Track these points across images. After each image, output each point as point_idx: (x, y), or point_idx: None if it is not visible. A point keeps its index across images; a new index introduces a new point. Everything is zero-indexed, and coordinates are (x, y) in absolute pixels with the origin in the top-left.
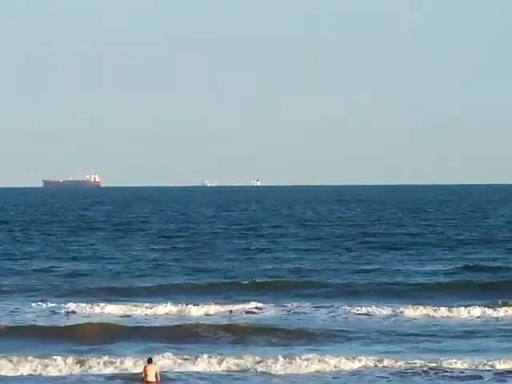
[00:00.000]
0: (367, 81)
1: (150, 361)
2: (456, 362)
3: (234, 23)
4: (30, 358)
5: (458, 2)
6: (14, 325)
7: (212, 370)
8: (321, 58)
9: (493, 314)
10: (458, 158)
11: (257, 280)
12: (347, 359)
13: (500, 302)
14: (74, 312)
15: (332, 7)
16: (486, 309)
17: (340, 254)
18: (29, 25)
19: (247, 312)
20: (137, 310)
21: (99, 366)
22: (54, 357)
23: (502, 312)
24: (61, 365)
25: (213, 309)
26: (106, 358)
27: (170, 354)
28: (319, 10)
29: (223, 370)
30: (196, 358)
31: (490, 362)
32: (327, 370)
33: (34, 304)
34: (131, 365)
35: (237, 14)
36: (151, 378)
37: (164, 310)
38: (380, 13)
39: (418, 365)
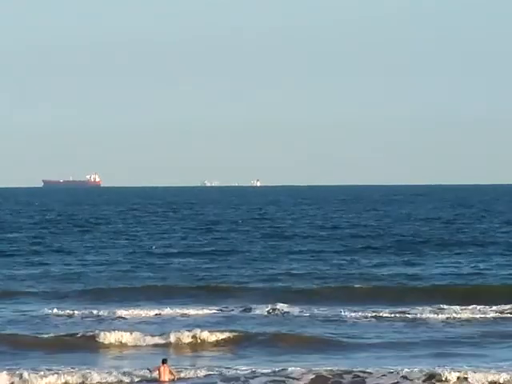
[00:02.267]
0: (367, 81)
1: (164, 361)
2: None
3: (234, 23)
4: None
5: (458, 2)
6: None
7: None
8: (320, 59)
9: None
10: (459, 158)
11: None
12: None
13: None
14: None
15: (332, 7)
16: None
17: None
18: (28, 24)
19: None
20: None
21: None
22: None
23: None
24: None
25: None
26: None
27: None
28: (320, 9)
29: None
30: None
31: None
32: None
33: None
34: None
35: (237, 13)
36: (164, 378)
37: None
38: (380, 13)
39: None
